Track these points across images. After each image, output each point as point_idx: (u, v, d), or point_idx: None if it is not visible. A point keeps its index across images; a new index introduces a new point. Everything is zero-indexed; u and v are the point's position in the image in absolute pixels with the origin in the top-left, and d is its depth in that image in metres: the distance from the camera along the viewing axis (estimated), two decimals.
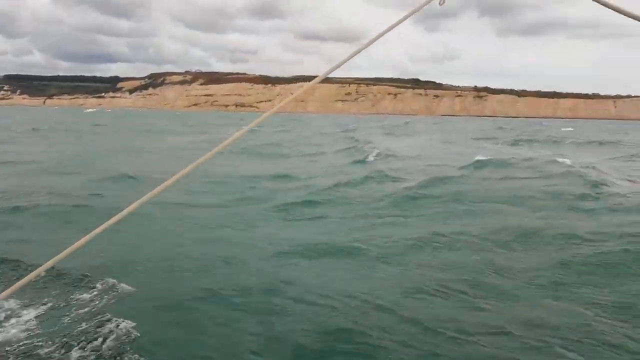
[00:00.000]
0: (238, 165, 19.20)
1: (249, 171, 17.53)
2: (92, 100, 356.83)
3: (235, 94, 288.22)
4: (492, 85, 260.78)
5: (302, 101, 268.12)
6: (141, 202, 2.71)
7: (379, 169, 17.53)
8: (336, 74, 2.71)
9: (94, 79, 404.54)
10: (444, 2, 2.61)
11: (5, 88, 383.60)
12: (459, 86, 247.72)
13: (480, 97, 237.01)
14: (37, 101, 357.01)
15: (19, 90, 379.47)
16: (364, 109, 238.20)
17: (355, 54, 2.69)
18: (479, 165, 17.79)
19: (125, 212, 2.71)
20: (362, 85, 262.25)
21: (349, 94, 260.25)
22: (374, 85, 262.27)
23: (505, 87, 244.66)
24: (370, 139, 34.08)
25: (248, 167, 19.10)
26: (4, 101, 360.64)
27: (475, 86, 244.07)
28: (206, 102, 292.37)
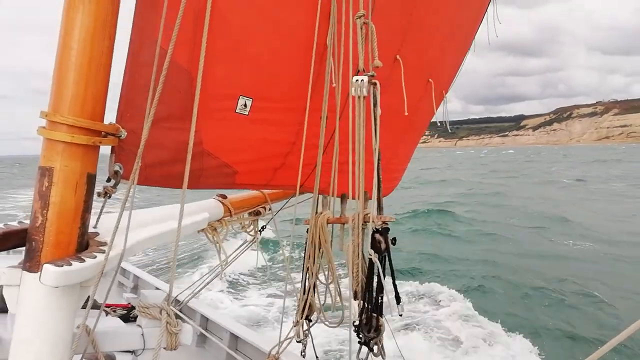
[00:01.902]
0: None
1: None
2: (496, 139, 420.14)
3: None
4: None
5: None
6: None
7: None
8: None
9: (499, 119, 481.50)
10: None
11: (426, 133, 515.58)
12: None
13: None
14: (450, 143, 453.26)
15: (436, 134, 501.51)
16: None
17: None
18: None
19: None
20: None
21: None
22: None
23: None
24: None
25: None
26: (424, 144, 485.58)
27: None
28: (620, 134, 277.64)
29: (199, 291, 3.72)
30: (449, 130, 3.73)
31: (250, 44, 2.32)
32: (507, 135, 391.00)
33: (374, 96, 2.22)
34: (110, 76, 1.85)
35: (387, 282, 2.23)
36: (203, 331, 4.12)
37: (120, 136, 1.92)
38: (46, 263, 1.62)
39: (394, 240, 2.26)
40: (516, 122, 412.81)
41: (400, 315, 2.40)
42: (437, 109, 3.42)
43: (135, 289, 5.94)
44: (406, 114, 2.62)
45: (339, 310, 2.65)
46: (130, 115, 1.98)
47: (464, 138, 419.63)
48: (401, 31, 2.77)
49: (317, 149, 2.58)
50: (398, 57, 2.68)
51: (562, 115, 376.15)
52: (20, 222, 1.87)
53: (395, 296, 2.31)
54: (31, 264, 1.69)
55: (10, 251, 1.87)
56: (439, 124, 3.64)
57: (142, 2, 1.93)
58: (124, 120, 1.97)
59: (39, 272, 1.63)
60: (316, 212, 2.66)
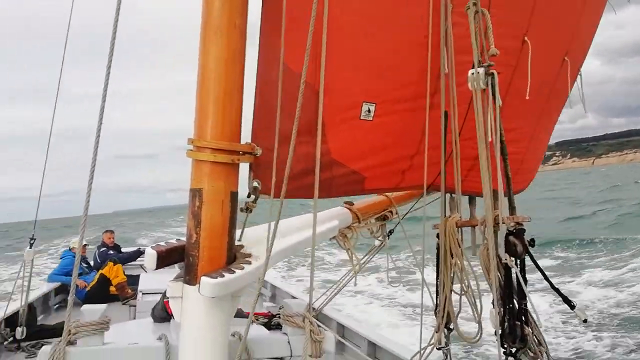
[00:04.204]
0: None
1: None
2: None
3: None
4: None
5: None
6: None
7: None
8: None
9: None
10: None
11: (556, 154, 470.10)
12: None
13: None
14: (586, 162, 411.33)
15: (568, 155, 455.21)
16: None
17: None
18: None
19: None
20: None
21: None
22: None
23: None
24: None
25: None
26: (555, 166, 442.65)
27: None
28: None
29: (332, 297, 3.83)
30: (585, 111, 3.16)
31: (368, 48, 2.35)
32: None
33: (493, 87, 2.09)
34: (243, 98, 1.99)
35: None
36: (341, 339, 4.17)
37: (256, 154, 2.04)
38: (203, 276, 1.78)
39: (532, 242, 2.11)
40: None
41: (585, 321, 2.15)
42: (571, 89, 3.14)
43: (273, 298, 6.34)
44: (527, 97, 2.47)
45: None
46: (264, 134, 2.08)
47: (603, 156, 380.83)
48: (529, 8, 2.62)
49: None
50: (526, 38, 2.55)
51: None
52: (178, 240, 2.05)
53: (564, 300, 2.09)
54: (190, 277, 1.86)
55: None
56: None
57: (266, 27, 2.05)
58: (258, 139, 2.08)
59: (198, 285, 1.78)
60: (445, 216, 2.56)
